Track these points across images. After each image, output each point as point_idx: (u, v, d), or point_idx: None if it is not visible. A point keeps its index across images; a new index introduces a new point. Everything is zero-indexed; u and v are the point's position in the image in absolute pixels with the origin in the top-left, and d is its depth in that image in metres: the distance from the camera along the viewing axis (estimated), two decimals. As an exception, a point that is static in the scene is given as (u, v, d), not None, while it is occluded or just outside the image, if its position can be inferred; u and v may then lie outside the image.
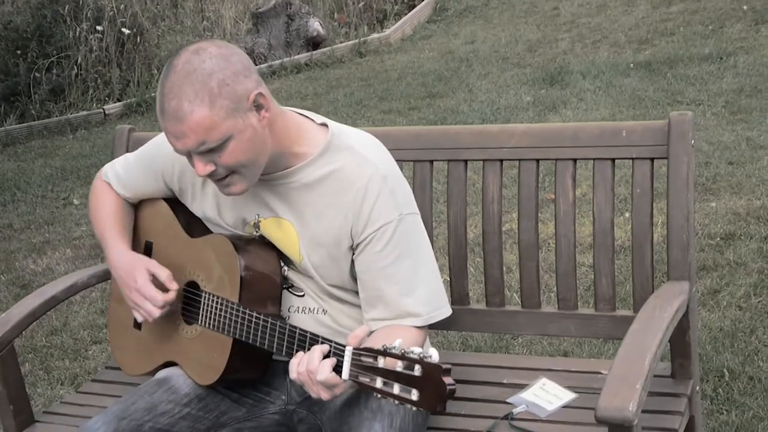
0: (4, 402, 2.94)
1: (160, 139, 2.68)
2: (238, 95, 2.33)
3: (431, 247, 2.59)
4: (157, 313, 2.60)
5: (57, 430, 2.95)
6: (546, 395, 2.75)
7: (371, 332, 2.45)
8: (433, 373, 2.00)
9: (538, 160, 2.86)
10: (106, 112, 10.09)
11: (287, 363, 2.32)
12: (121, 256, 2.72)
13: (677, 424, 2.58)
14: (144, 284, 2.61)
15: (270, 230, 2.58)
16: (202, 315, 2.59)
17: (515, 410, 2.70)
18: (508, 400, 2.76)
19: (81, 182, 7.76)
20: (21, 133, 9.64)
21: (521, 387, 2.82)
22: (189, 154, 2.39)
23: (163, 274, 2.63)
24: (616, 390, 2.18)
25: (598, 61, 9.20)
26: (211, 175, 2.41)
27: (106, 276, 3.19)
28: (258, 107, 2.37)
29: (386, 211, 2.45)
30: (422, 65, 10.42)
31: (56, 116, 10.00)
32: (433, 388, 1.99)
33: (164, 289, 2.62)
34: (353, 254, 2.51)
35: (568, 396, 2.74)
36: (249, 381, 2.65)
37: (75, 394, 3.23)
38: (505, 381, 2.87)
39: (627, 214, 5.22)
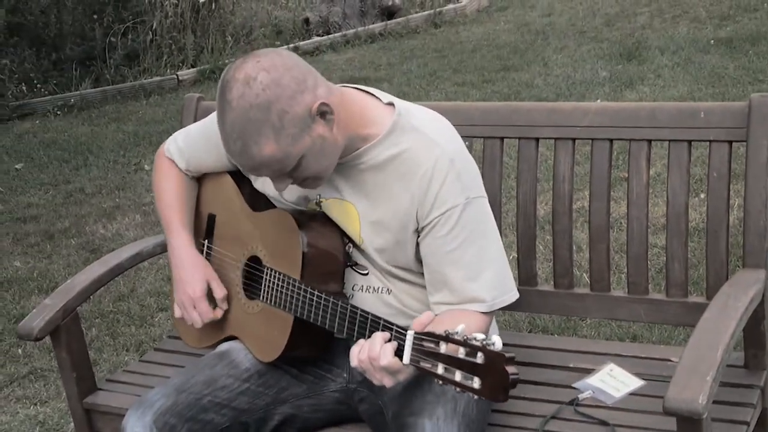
0: (68, 369, 2.95)
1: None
2: (300, 117, 2.28)
3: (498, 228, 2.53)
4: (200, 325, 2.69)
5: (118, 398, 2.95)
6: (613, 381, 2.70)
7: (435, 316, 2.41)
8: (495, 361, 1.95)
9: (611, 140, 2.80)
10: (180, 78, 10.12)
11: (349, 340, 2.30)
12: (183, 253, 2.74)
13: (749, 417, 2.51)
14: (201, 297, 2.68)
15: (331, 210, 2.55)
16: (264, 291, 2.57)
17: (581, 396, 2.65)
18: (573, 385, 2.71)
19: (153, 148, 7.78)
20: (95, 98, 9.71)
21: (588, 372, 2.77)
22: None
23: (220, 293, 2.70)
24: (686, 381, 2.12)
25: (677, 37, 9.03)
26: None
27: (172, 245, 3.18)
28: (322, 114, 2.33)
29: (453, 194, 2.40)
30: (498, 37, 10.31)
31: (130, 81, 10.05)
32: (495, 376, 1.95)
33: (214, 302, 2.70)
34: (418, 237, 2.46)
35: (636, 383, 2.68)
36: (310, 358, 2.62)
37: (138, 362, 3.23)
38: (571, 365, 2.83)
39: (702, 195, 5.11)
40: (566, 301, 2.90)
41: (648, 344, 3.83)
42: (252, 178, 2.69)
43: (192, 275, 2.69)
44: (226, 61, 10.08)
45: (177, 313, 2.73)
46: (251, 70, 2.27)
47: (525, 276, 2.93)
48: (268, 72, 2.26)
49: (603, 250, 2.84)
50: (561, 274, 2.90)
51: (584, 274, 4.26)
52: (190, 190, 2.85)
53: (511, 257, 2.58)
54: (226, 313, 2.71)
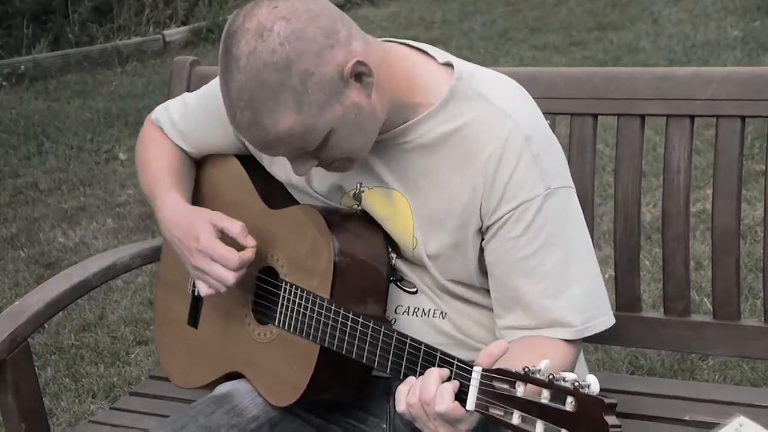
0: (14, 419, 2.95)
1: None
2: (329, 78, 2.29)
3: (589, 233, 2.55)
4: (231, 278, 2.53)
5: (81, 459, 2.99)
6: (743, 440, 2.71)
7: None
8: (591, 408, 1.96)
9: (743, 117, 2.80)
10: (167, 38, 10.22)
11: (390, 380, 2.31)
12: (175, 211, 2.69)
13: None
14: (209, 242, 2.56)
15: (375, 204, 2.56)
16: (280, 313, 2.59)
17: (699, 458, 2.67)
18: (690, 444, 2.73)
19: (130, 130, 7.86)
20: (54, 64, 9.80)
21: (710, 427, 2.76)
22: None
23: (235, 227, 2.56)
24: (840, 439, 2.14)
25: (834, -16, 9.03)
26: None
27: (155, 255, 3.21)
28: (358, 76, 2.33)
29: (528, 183, 2.39)
30: (591, -15, 10.34)
31: (101, 42, 10.14)
32: (590, 429, 1.96)
33: (238, 248, 2.57)
34: (482, 240, 2.48)
35: (773, 442, 2.69)
36: (339, 403, 2.65)
37: (108, 410, 3.26)
38: (687, 417, 2.83)
39: None
40: (681, 332, 2.90)
41: (791, 393, 3.83)
42: (266, 162, 2.72)
43: (190, 226, 2.61)
44: (226, 17, 10.14)
45: (204, 290, 2.61)
46: (265, 18, 2.27)
47: (625, 300, 2.93)
48: (287, 21, 2.26)
49: (731, 266, 2.83)
50: (673, 298, 2.90)
51: (705, 298, 4.27)
52: (186, 161, 2.86)
53: (606, 275, 2.60)
54: (229, 341, 2.72)
